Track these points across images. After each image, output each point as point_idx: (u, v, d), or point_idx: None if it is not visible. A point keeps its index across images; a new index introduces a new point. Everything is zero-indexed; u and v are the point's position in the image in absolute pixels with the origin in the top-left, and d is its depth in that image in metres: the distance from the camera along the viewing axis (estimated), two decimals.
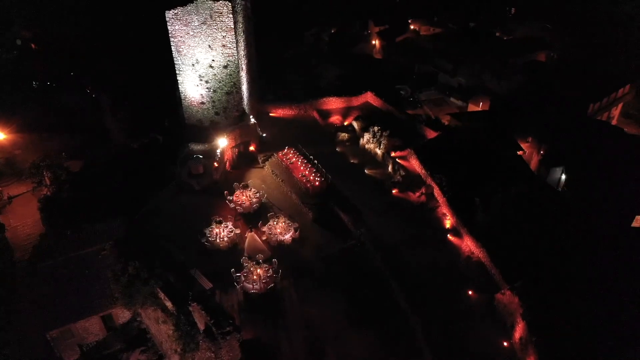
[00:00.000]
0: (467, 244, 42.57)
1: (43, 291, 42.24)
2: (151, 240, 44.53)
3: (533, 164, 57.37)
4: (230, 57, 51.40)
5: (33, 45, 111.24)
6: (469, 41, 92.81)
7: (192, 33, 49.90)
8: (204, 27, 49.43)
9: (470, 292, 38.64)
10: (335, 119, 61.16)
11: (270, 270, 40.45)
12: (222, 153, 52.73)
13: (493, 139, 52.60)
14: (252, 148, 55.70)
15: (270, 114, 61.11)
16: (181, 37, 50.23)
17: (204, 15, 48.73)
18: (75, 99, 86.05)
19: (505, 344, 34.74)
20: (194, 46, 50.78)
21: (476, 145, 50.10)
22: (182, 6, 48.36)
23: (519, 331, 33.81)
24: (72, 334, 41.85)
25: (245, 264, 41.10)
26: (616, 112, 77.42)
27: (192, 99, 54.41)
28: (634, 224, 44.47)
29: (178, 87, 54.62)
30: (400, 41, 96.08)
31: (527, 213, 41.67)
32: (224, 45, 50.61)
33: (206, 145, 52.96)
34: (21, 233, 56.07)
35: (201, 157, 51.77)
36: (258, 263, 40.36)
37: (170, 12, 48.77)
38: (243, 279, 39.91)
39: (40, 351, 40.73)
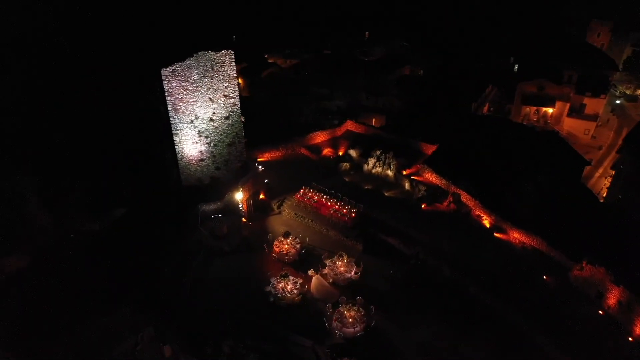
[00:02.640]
0: (515, 237, 46.41)
1: None
2: (215, 314, 40.30)
3: None
4: (233, 107, 49.31)
5: None
6: (333, 66, 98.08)
7: (191, 88, 46.81)
8: (205, 79, 46.81)
9: (545, 277, 42.25)
10: (327, 151, 61.58)
11: (361, 309, 39.49)
12: (242, 207, 49.87)
13: None
14: (262, 196, 53.42)
15: (258, 159, 59.18)
16: (179, 94, 46.75)
17: (204, 67, 46.22)
18: None
19: (600, 312, 38.81)
20: (192, 101, 47.60)
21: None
22: (181, 61, 45.28)
23: (613, 297, 38.08)
24: None
25: (329, 311, 39.50)
26: (485, 108, 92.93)
27: (191, 158, 50.58)
28: None
29: (168, 148, 50.38)
30: (266, 76, 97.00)
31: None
32: (225, 96, 48.39)
33: (219, 203, 49.47)
34: None
35: (221, 216, 48.29)
36: (354, 305, 39.14)
37: (167, 69, 45.19)
38: (340, 325, 38.31)
39: None
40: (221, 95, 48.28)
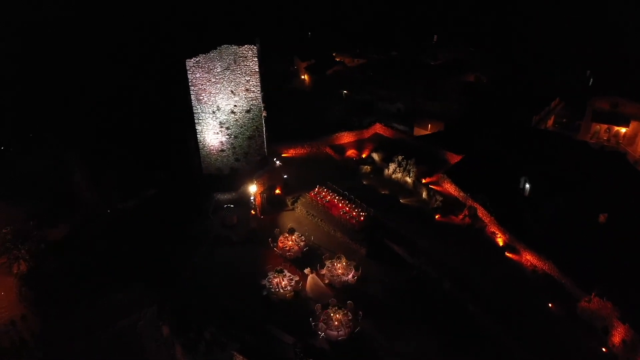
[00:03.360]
0: (527, 259, 43.93)
1: None
2: (209, 301, 41.35)
3: None
4: (254, 101, 50.31)
5: None
6: (398, 68, 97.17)
7: (214, 80, 48.33)
8: (227, 72, 48.13)
9: (550, 305, 39.69)
10: (351, 152, 61.29)
11: (349, 314, 39.02)
12: (255, 199, 50.72)
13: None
14: (278, 191, 54.06)
15: (282, 155, 59.91)
16: (202, 85, 48.43)
17: (227, 60, 47.52)
18: (37, 161, 79.04)
19: (603, 349, 35.92)
20: (215, 93, 49.13)
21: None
22: (205, 53, 46.80)
23: (618, 335, 35.14)
24: None
25: (318, 311, 39.33)
26: (550, 122, 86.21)
27: (212, 147, 52.23)
28: None
29: (192, 137, 52.29)
30: (331, 73, 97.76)
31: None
32: (247, 90, 49.47)
33: (234, 194, 50.71)
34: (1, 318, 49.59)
35: (233, 206, 49.45)
36: (339, 308, 38.78)
37: (192, 60, 47.02)
38: (325, 326, 38.06)
39: None
40: (243, 88, 49.38)
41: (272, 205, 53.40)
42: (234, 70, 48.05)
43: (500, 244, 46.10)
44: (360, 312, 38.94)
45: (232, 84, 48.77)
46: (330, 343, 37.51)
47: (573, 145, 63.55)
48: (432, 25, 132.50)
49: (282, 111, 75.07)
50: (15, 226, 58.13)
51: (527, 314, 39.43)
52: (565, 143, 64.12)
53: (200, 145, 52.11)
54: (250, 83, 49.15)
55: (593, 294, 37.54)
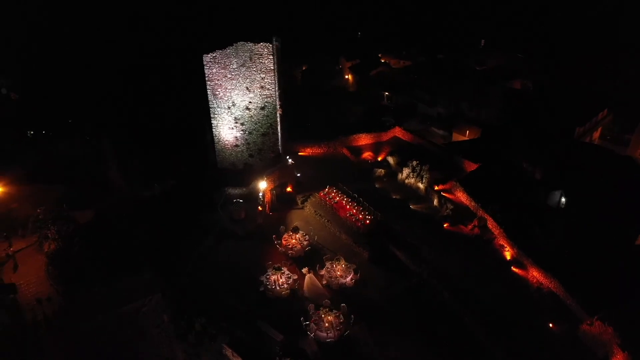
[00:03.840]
0: (534, 275, 42.26)
1: (81, 354, 39.29)
2: (206, 293, 42.15)
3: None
4: (269, 99, 50.73)
5: (12, 95, 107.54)
6: (442, 72, 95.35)
7: (229, 76, 49.09)
8: (243, 69, 48.77)
9: (551, 325, 38.04)
10: (367, 155, 60.83)
11: (341, 316, 38.78)
12: (264, 196, 51.21)
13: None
14: (289, 189, 54.38)
15: (299, 153, 60.20)
16: (218, 80, 49.31)
17: (243, 57, 48.14)
18: (73, 147, 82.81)
19: None
20: (230, 89, 49.90)
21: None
22: (221, 49, 47.62)
23: None
24: None
25: (311, 311, 39.30)
26: (596, 135, 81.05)
27: (227, 142, 53.10)
28: None
29: (209, 131, 53.31)
30: (375, 74, 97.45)
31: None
32: (262, 87, 49.95)
33: (244, 189, 51.39)
34: (26, 292, 52.09)
35: (242, 201, 50.11)
36: (331, 310, 38.62)
37: (208, 55, 47.96)
38: (315, 327, 38.02)
39: None
40: (258, 86, 49.89)
41: (283, 202, 53.79)
42: (249, 67, 48.64)
43: (508, 257, 44.54)
44: (352, 316, 38.68)
45: (248, 80, 49.40)
46: (319, 344, 37.48)
47: (617, 160, 59.50)
48: (480, 29, 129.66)
49: (313, 109, 75.65)
50: (48, 207, 61.51)
51: (526, 331, 37.92)
52: (608, 157, 60.13)
53: (216, 140, 53.10)
54: (265, 80, 49.60)
55: (595, 317, 35.67)
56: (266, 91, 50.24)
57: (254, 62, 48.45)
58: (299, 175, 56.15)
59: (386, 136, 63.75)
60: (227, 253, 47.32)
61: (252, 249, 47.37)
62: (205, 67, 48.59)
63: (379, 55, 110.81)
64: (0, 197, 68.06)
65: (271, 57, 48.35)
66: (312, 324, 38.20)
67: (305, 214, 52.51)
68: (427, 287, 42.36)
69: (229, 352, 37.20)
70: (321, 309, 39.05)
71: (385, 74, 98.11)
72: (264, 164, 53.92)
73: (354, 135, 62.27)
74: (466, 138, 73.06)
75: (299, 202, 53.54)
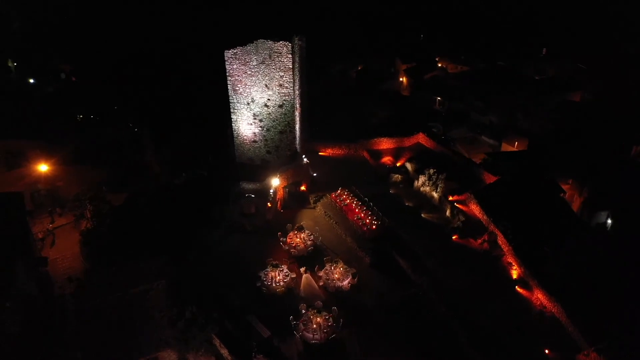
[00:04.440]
0: (538, 297, 40.22)
1: (89, 330, 41.14)
2: (205, 283, 43.16)
3: (575, 206, 55.15)
4: (287, 97, 51.13)
5: (73, 79, 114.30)
6: (499, 79, 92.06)
7: (249, 72, 49.91)
8: (262, 66, 49.42)
9: (547, 351, 36.10)
10: (386, 159, 60.06)
11: (331, 319, 38.56)
12: (275, 193, 51.74)
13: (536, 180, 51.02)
14: (303, 188, 54.63)
15: (320, 153, 60.32)
16: (238, 76, 50.26)
17: (263, 55, 48.78)
18: (117, 132, 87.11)
19: None
20: (250, 85, 50.72)
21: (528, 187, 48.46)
22: (242, 46, 48.49)
23: None
24: None
25: (303, 311, 39.35)
26: None
27: (245, 137, 54.06)
28: None
29: (230, 125, 54.41)
30: (429, 78, 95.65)
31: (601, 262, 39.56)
32: (280, 85, 50.41)
33: (258, 185, 52.12)
34: (60, 266, 55.24)
35: (253, 196, 50.86)
36: (319, 311, 38.53)
37: (230, 51, 48.98)
38: (302, 327, 38.07)
39: None
40: (276, 83, 50.37)
41: (296, 200, 54.07)
42: (268, 65, 49.20)
43: (514, 276, 42.63)
44: (341, 320, 38.41)
45: (267, 78, 49.98)
46: (305, 344, 37.54)
47: None
48: (543, 37, 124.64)
49: (344, 110, 75.51)
50: (88, 187, 65.41)
51: (520, 354, 36.25)
52: None
53: (235, 134, 54.16)
54: (284, 79, 49.99)
55: (592, 348, 33.53)
56: (284, 89, 50.66)
57: (273, 60, 48.95)
58: (315, 174, 56.25)
59: (409, 142, 62.55)
60: (232, 246, 48.23)
61: (257, 244, 47.96)
62: (226, 63, 49.69)
63: (436, 59, 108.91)
64: (47, 175, 72.80)
65: (290, 55, 48.64)
66: (301, 324, 38.31)
67: (316, 213, 52.55)
68: (425, 299, 41.34)
69: (217, 342, 38.03)
70: (310, 309, 39.09)
71: (440, 79, 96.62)
72: (281, 161, 54.43)
73: (376, 139, 61.55)
74: (514, 149, 71.02)
75: (312, 201, 53.65)
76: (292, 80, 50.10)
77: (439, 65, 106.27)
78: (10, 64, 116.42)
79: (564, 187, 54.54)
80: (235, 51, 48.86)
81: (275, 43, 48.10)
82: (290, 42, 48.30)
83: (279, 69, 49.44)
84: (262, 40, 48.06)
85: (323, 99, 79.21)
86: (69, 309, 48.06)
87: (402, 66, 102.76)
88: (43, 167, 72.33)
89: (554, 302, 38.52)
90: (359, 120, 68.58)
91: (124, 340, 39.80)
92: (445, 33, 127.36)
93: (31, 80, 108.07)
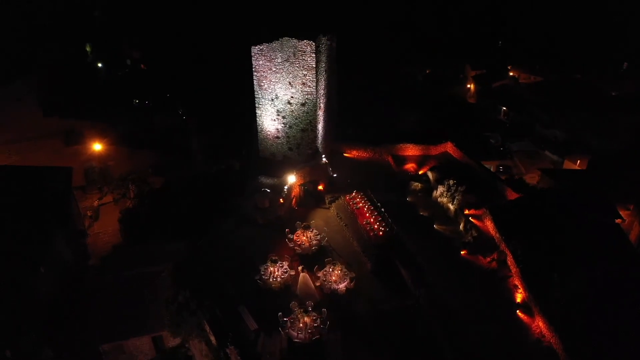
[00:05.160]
0: (539, 325, 37.97)
1: (103, 304, 43.68)
2: (206, 270, 44.47)
3: (633, 234, 51.27)
4: (309, 96, 51.40)
5: (142, 66, 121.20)
6: (571, 92, 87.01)
7: (274, 69, 50.66)
8: (287, 64, 49.99)
9: None
10: (409, 166, 58.86)
11: (319, 320, 38.53)
12: (290, 189, 52.27)
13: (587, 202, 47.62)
14: (320, 187, 54.76)
15: (345, 154, 60.16)
16: (264, 72, 51.18)
17: (287, 52, 49.32)
18: (167, 119, 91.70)
19: None
20: (275, 82, 51.49)
21: (566, 210, 45.43)
22: (268, 43, 49.34)
23: None
24: (123, 351, 42.45)
25: (294, 310, 39.59)
26: None
27: (268, 133, 54.99)
28: None
29: (255, 120, 55.57)
30: (497, 87, 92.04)
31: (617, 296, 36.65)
32: (303, 84, 50.76)
33: (276, 180, 52.86)
34: (101, 240, 59.23)
35: (269, 190, 51.65)
36: (307, 311, 38.62)
37: (256, 47, 50.00)
38: (289, 325, 38.35)
39: None
40: (300, 82, 50.77)
41: (311, 199, 54.29)
42: (292, 63, 49.64)
43: (518, 300, 40.46)
44: (328, 322, 38.29)
45: (290, 75, 50.47)
46: (290, 342, 37.79)
47: None
48: (625, 50, 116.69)
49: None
50: (135, 168, 69.79)
51: None
52: None
53: (259, 129, 55.23)
54: (307, 77, 50.22)
55: None
56: (307, 88, 50.93)
57: (297, 59, 49.35)
58: (335, 175, 56.17)
59: (436, 150, 60.80)
60: (241, 237, 49.23)
61: (265, 238, 48.66)
62: (252, 58, 50.76)
63: (508, 67, 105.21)
64: (100, 154, 78.14)
65: (314, 55, 48.79)
66: (288, 322, 38.61)
67: (329, 214, 52.53)
68: (419, 313, 40.23)
69: (207, 328, 39.20)
70: (297, 307, 39.26)
71: (509, 88, 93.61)
72: (302, 159, 54.85)
73: (402, 145, 60.40)
74: (577, 167, 68.49)
75: (327, 201, 53.65)
76: (315, 79, 50.25)
77: (510, 74, 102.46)
78: (88, 49, 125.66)
79: (623, 213, 51.01)
80: (261, 47, 49.82)
81: (299, 41, 48.47)
82: (314, 42, 48.45)
83: (303, 67, 49.78)
84: (287, 38, 48.60)
85: (376, 101, 78.92)
86: (88, 281, 51.70)
87: (471, 72, 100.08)
88: (97, 146, 77.63)
89: (552, 331, 36.21)
90: (392, 124, 67.68)
91: (134, 316, 42.18)
92: (525, 41, 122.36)
93: (99, 65, 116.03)
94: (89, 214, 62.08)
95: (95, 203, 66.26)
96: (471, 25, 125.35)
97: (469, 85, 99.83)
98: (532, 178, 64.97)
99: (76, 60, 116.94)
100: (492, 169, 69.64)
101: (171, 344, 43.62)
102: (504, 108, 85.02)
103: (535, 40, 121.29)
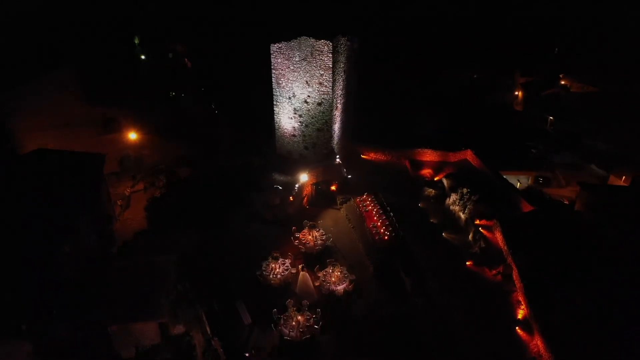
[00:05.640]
0: (536, 344, 36.54)
1: (114, 287, 45.26)
2: (210, 263, 45.35)
3: None
4: (325, 95, 51.44)
5: (186, 60, 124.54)
6: (624, 104, 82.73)
7: (292, 67, 50.98)
8: (304, 63, 50.20)
9: None
10: (426, 171, 57.82)
11: (312, 320, 38.61)
12: (301, 188, 52.52)
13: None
14: (333, 188, 54.70)
15: (362, 156, 59.77)
16: (282, 70, 51.59)
17: (305, 51, 49.52)
18: (200, 112, 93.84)
19: None
20: (292, 80, 51.82)
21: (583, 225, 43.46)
22: (287, 41, 49.68)
23: None
24: (130, 334, 43.85)
25: (289, 307, 39.81)
26: None
27: (285, 130, 55.41)
28: None
29: (273, 117, 56.12)
30: (546, 95, 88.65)
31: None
32: (320, 83, 50.84)
33: (289, 177, 53.25)
34: (129, 227, 61.17)
35: (280, 188, 52.11)
36: (300, 310, 38.76)
37: (275, 45, 50.47)
38: (282, 322, 38.61)
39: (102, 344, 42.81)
40: (316, 81, 50.87)
41: (323, 199, 54.30)
42: (310, 62, 49.78)
43: (519, 316, 39.06)
44: (321, 322, 38.31)
45: (308, 75, 50.64)
46: (282, 339, 38.08)
47: None
48: None
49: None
50: (166, 159, 71.83)
51: None
52: None
53: (276, 127, 55.75)
54: (324, 77, 50.25)
55: None
56: (324, 88, 50.97)
57: (315, 58, 49.45)
58: (349, 176, 55.93)
59: (455, 157, 59.38)
60: (249, 232, 49.87)
61: (272, 235, 49.07)
62: (271, 56, 51.28)
63: (560, 75, 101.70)
64: (135, 143, 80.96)
65: (330, 54, 48.75)
66: (282, 319, 38.89)
67: (339, 215, 52.43)
68: (416, 320, 39.57)
69: (204, 319, 40.04)
70: (291, 305, 39.44)
71: (559, 97, 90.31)
72: (317, 158, 54.97)
73: (420, 149, 59.37)
74: (622, 183, 65.36)
75: (338, 202, 53.53)
76: (331, 79, 50.22)
77: (562, 82, 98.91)
78: (136, 41, 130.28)
79: None
80: (280, 45, 50.25)
81: (317, 41, 48.57)
82: (332, 42, 48.40)
83: (320, 67, 49.85)
84: (304, 37, 48.79)
85: (410, 105, 77.88)
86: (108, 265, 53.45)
87: (520, 79, 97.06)
88: (133, 135, 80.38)
89: (548, 351, 34.77)
90: (417, 127, 66.65)
91: (139, 301, 43.57)
92: (582, 49, 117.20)
93: (143, 57, 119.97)
94: (119, 203, 64.38)
95: (127, 191, 68.62)
96: (527, 30, 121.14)
97: (516, 93, 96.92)
98: (571, 192, 62.55)
99: (123, 51, 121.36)
100: (530, 181, 67.75)
101: (176, 332, 44.66)
102: (551, 117, 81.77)
103: (595, 51, 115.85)
